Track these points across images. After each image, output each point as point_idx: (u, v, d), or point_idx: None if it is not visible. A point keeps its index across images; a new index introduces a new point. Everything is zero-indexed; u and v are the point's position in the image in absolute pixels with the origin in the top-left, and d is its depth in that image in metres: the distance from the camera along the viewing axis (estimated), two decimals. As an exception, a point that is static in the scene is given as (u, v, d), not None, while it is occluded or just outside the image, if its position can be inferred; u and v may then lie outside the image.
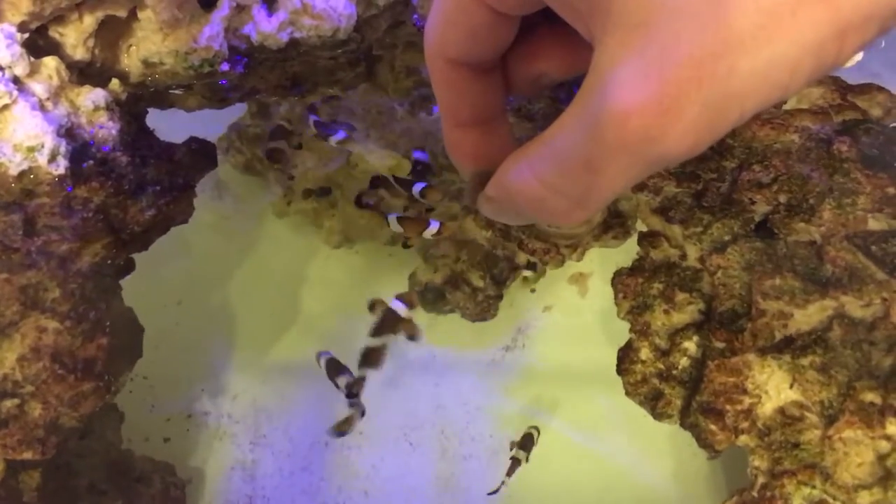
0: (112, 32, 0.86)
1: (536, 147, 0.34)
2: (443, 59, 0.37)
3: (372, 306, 0.88)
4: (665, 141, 0.28)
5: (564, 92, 0.93)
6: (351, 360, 0.94)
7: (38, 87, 0.76)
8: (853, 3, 0.26)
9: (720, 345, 0.78)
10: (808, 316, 0.76)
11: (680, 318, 0.84)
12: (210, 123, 1.18)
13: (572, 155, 0.31)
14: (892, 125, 0.87)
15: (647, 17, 0.27)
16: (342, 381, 0.94)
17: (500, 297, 1.14)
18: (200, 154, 0.89)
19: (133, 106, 0.88)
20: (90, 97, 0.80)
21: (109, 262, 0.77)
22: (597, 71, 0.30)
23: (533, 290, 1.22)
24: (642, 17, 0.28)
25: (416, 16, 1.02)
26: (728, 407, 0.77)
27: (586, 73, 0.32)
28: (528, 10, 0.35)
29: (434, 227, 0.90)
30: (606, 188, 0.32)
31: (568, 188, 0.33)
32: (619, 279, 0.88)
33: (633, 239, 0.98)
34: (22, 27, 0.78)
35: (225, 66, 0.91)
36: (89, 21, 0.82)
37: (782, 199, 0.81)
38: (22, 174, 0.74)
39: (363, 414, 0.93)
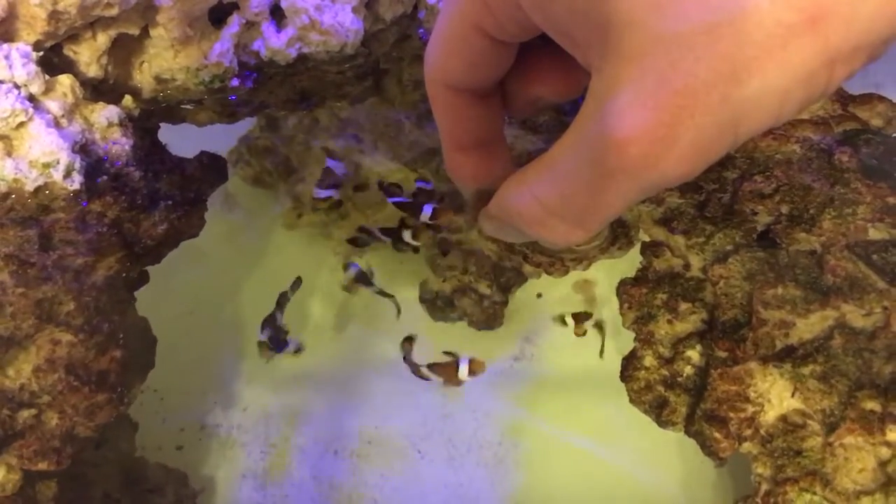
0: (125, 50, 0.88)
1: (536, 170, 0.35)
2: (443, 85, 0.39)
3: None
4: (662, 166, 0.30)
5: (569, 104, 0.94)
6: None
7: (54, 105, 0.78)
8: (842, 36, 0.27)
9: (722, 354, 0.79)
10: (809, 325, 0.76)
11: (683, 327, 0.84)
12: (220, 137, 1.20)
13: (572, 179, 0.33)
14: (892, 135, 0.88)
15: (643, 48, 0.29)
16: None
17: (505, 303, 1.15)
18: (211, 168, 0.90)
19: (145, 121, 0.89)
20: (104, 114, 0.82)
21: (123, 275, 0.78)
22: (594, 98, 0.31)
23: (539, 296, 1.23)
24: (638, 47, 0.29)
25: (421, 30, 1.03)
26: (731, 415, 0.78)
27: (582, 95, 0.33)
28: (527, 37, 0.36)
29: (427, 211, 0.93)
30: (605, 211, 0.33)
31: (567, 210, 0.34)
32: (624, 289, 0.90)
33: (636, 245, 0.99)
34: (37, 46, 0.79)
35: (235, 82, 0.93)
36: (103, 39, 0.84)
37: (784, 209, 0.82)
38: (38, 190, 0.75)
39: None
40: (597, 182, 0.32)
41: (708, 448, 0.80)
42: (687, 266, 0.86)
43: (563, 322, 1.08)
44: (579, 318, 1.09)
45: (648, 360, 0.85)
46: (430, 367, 0.96)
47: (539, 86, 0.40)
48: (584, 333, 1.07)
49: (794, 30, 0.27)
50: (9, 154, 0.75)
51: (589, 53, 0.32)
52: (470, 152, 0.41)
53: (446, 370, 0.95)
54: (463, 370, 0.93)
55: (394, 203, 1.02)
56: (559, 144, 0.34)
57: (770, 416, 0.77)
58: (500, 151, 0.42)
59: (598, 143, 0.30)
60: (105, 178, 0.80)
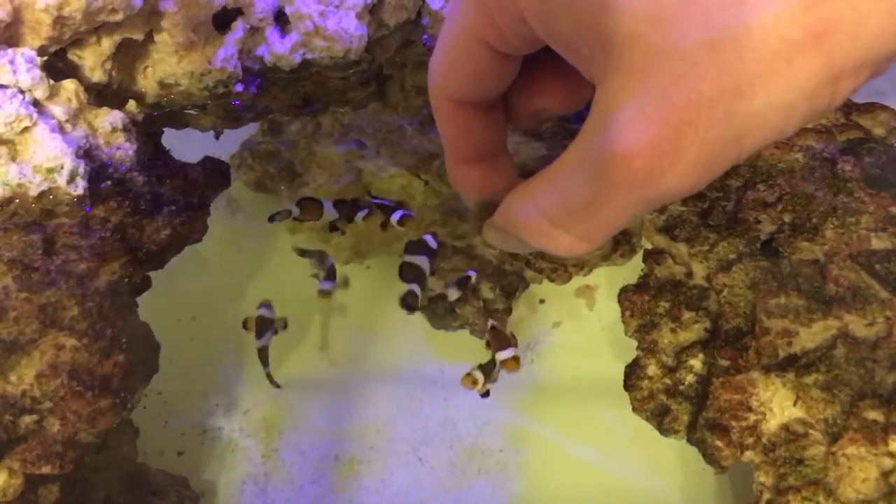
0: (129, 55, 0.88)
1: (540, 183, 0.35)
2: (447, 98, 0.39)
3: None
4: (665, 181, 0.30)
5: (573, 113, 0.94)
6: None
7: (58, 110, 0.78)
8: (846, 52, 0.27)
9: (725, 363, 0.79)
10: (811, 334, 0.76)
11: (686, 336, 0.85)
12: (223, 141, 1.20)
13: (576, 192, 0.33)
14: (895, 144, 0.88)
15: (647, 62, 0.29)
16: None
17: (508, 310, 1.15)
18: (215, 173, 0.90)
19: (149, 126, 0.90)
20: (108, 119, 0.82)
21: (126, 280, 0.79)
22: (598, 112, 0.31)
23: (542, 302, 1.23)
24: (642, 61, 0.29)
25: (425, 36, 1.03)
26: (733, 423, 0.78)
27: (587, 107, 0.33)
28: (531, 49, 0.36)
29: (396, 217, 0.93)
30: (609, 224, 0.33)
31: (572, 223, 0.34)
32: (626, 296, 0.90)
33: (639, 253, 0.99)
34: (42, 51, 0.79)
35: (239, 87, 0.93)
36: (107, 44, 0.84)
37: (787, 218, 0.82)
38: (42, 195, 0.75)
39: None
40: (600, 196, 0.32)
41: (710, 456, 0.80)
42: (689, 274, 0.86)
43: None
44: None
45: (652, 370, 0.85)
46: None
47: (543, 98, 0.40)
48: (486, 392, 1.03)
49: (799, 46, 0.27)
50: (13, 159, 0.75)
51: (593, 67, 0.32)
52: (474, 164, 0.41)
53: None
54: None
55: (375, 204, 1.01)
56: (563, 157, 0.34)
57: (772, 424, 0.77)
58: (503, 163, 0.42)
59: (601, 157, 0.30)
60: (109, 183, 0.80)
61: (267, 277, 1.24)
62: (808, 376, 0.75)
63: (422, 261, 0.96)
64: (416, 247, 0.97)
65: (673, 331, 0.85)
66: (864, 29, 0.27)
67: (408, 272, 0.96)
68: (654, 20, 0.28)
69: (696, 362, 0.83)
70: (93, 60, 0.85)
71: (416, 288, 0.95)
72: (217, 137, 1.08)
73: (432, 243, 0.97)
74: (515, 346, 0.94)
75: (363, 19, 0.93)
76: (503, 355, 0.91)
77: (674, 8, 0.28)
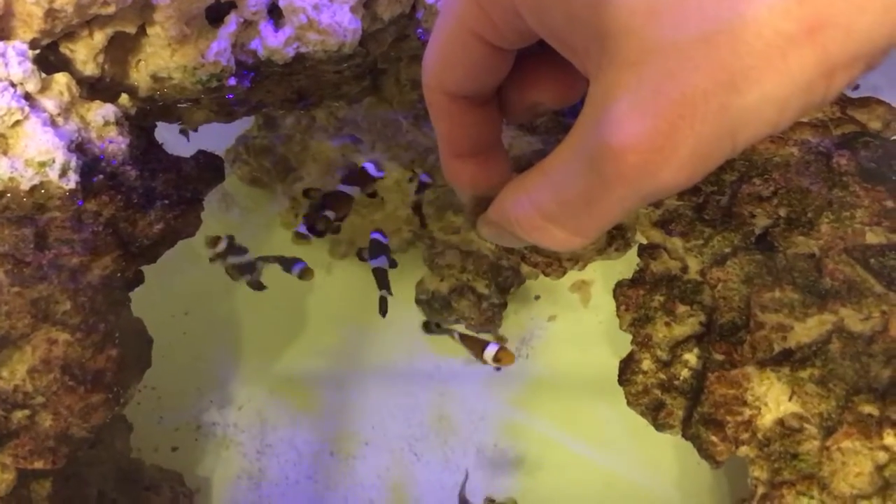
0: (121, 48, 0.87)
1: (535, 178, 0.35)
2: (441, 92, 0.38)
3: None
4: (660, 175, 0.29)
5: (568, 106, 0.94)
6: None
7: (50, 103, 0.78)
8: (840, 45, 0.27)
9: (720, 357, 0.79)
10: (807, 329, 0.76)
11: (681, 330, 0.84)
12: (217, 136, 1.20)
13: (570, 187, 0.32)
14: (891, 138, 0.88)
15: (642, 56, 0.28)
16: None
17: (504, 305, 1.15)
18: (208, 167, 0.90)
19: (142, 120, 0.89)
20: (100, 112, 0.81)
21: (119, 274, 0.78)
22: (593, 106, 0.31)
23: (537, 297, 1.23)
24: (637, 55, 0.29)
25: (419, 29, 1.03)
26: (728, 418, 0.78)
27: (582, 100, 0.33)
28: (525, 43, 0.36)
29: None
30: (603, 219, 0.33)
31: (566, 218, 0.34)
32: (621, 291, 0.89)
33: (634, 247, 0.99)
34: (33, 44, 0.79)
35: (232, 81, 0.92)
36: (99, 37, 0.84)
37: (782, 212, 0.82)
38: (33, 189, 0.75)
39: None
40: (595, 190, 0.31)
41: (705, 451, 0.80)
42: (684, 268, 0.86)
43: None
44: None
45: (646, 364, 0.85)
46: (462, 337, 0.95)
47: (537, 92, 0.40)
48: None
49: (793, 39, 0.27)
50: (4, 153, 0.74)
51: (587, 60, 0.32)
52: (468, 159, 0.41)
53: (474, 345, 0.93)
54: (489, 353, 0.91)
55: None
56: (557, 152, 0.33)
57: (767, 419, 0.77)
58: (498, 158, 0.42)
59: (595, 152, 0.30)
60: (101, 176, 0.79)
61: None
62: (803, 371, 0.75)
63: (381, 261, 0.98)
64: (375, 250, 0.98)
65: (667, 324, 0.85)
66: (859, 22, 0.27)
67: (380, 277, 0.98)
68: (648, 13, 0.28)
69: (691, 356, 0.83)
70: (85, 54, 0.84)
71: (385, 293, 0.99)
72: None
73: (383, 239, 0.98)
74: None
75: (357, 13, 0.93)
76: (491, 350, 0.90)
77: (669, 1, 0.28)
